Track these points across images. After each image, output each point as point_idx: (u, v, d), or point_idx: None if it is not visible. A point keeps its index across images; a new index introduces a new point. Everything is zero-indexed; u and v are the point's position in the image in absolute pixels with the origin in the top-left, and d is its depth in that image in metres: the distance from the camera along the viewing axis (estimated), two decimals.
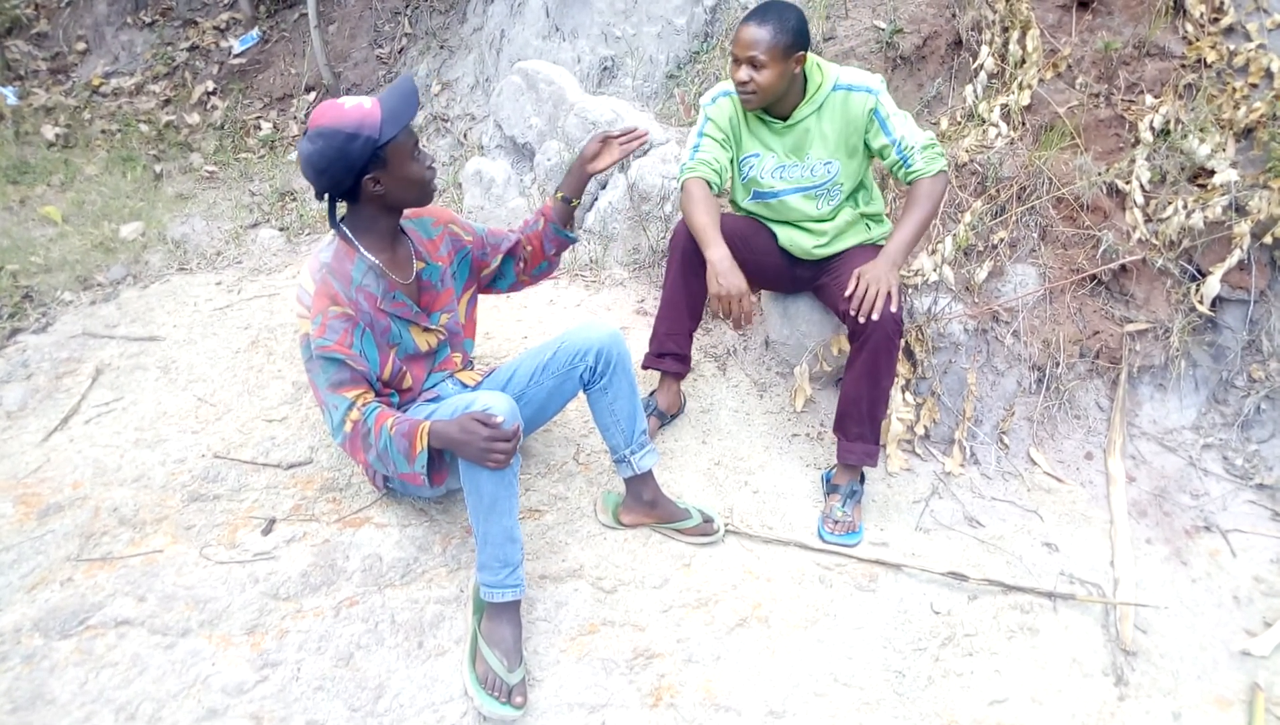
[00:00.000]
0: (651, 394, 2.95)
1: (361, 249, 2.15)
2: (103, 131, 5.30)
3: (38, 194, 4.51)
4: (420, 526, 2.48)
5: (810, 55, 2.55)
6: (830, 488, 2.75)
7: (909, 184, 2.60)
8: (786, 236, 2.79)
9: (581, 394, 2.44)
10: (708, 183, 2.62)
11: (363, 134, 1.98)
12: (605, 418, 2.44)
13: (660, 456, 2.53)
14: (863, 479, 2.76)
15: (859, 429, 2.66)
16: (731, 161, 2.73)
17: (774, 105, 2.58)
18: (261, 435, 2.77)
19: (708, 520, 2.57)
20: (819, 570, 2.54)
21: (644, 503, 2.53)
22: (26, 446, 2.75)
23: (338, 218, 2.17)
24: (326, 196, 2.10)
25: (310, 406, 2.89)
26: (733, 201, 2.89)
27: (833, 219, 2.74)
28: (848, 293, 2.49)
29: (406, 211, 2.26)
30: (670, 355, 2.84)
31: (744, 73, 2.46)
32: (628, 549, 2.52)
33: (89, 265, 3.81)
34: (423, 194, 2.17)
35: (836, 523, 2.65)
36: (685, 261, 2.70)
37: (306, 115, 5.40)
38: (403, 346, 2.27)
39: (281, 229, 4.20)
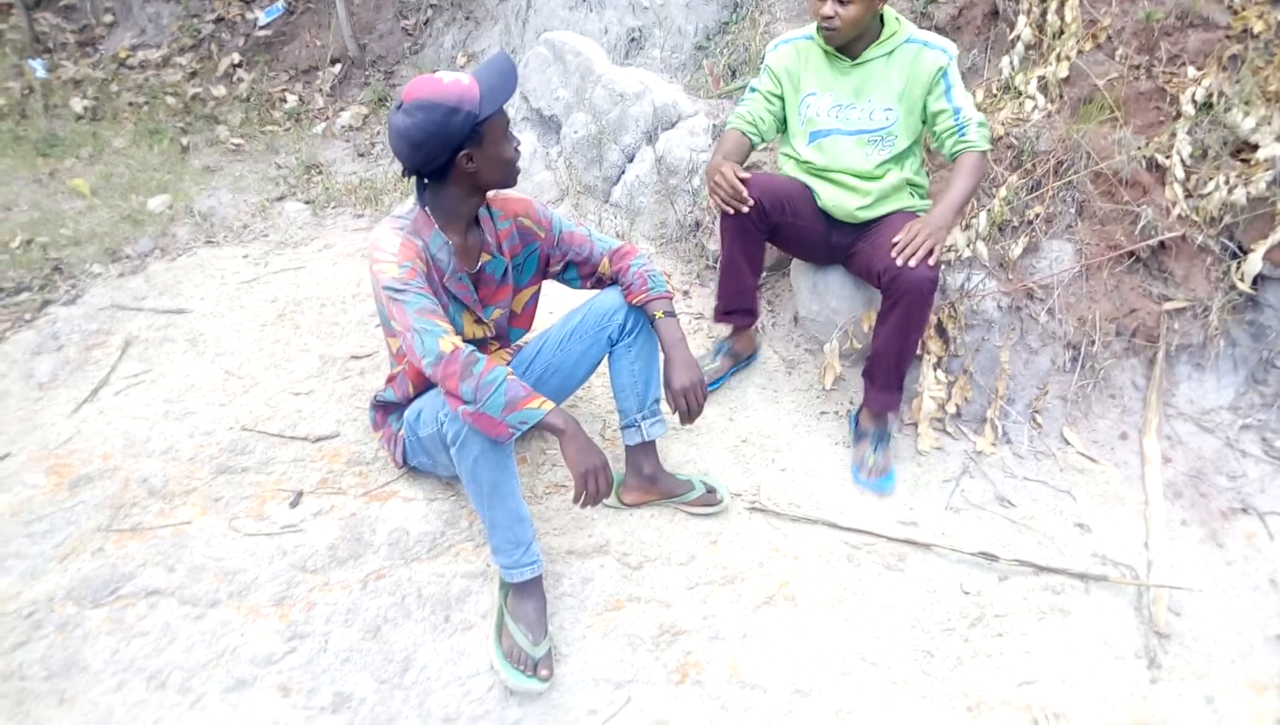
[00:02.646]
0: (725, 339, 3.06)
1: (437, 226, 2.12)
2: (130, 104, 5.31)
3: (66, 166, 4.53)
4: (447, 501, 2.48)
5: (889, 8, 2.61)
6: (859, 434, 2.82)
7: (952, 157, 2.62)
8: (830, 196, 2.74)
9: (604, 366, 2.42)
10: (744, 134, 2.73)
11: (464, 108, 1.94)
12: (624, 378, 2.41)
13: (669, 428, 2.49)
14: (889, 422, 2.82)
15: (885, 379, 2.72)
16: (781, 115, 2.78)
17: (848, 44, 2.61)
18: (288, 408, 2.77)
19: (711, 491, 2.55)
20: (847, 549, 2.51)
21: (644, 477, 2.50)
22: (57, 417, 2.77)
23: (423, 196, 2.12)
24: (415, 174, 2.06)
25: (337, 379, 2.90)
26: (789, 155, 2.84)
27: (880, 177, 2.71)
28: (897, 238, 2.48)
29: (488, 196, 2.22)
30: (737, 311, 2.94)
31: (829, 7, 2.49)
32: (653, 525, 2.51)
33: (117, 238, 3.83)
34: (510, 174, 2.11)
35: (870, 469, 2.72)
36: (738, 225, 2.70)
37: (332, 88, 5.38)
38: (454, 328, 2.24)
39: (307, 202, 4.20)
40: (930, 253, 2.45)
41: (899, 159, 2.72)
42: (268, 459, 2.60)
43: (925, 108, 2.63)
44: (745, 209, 2.58)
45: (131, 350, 3.08)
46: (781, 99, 2.76)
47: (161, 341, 3.12)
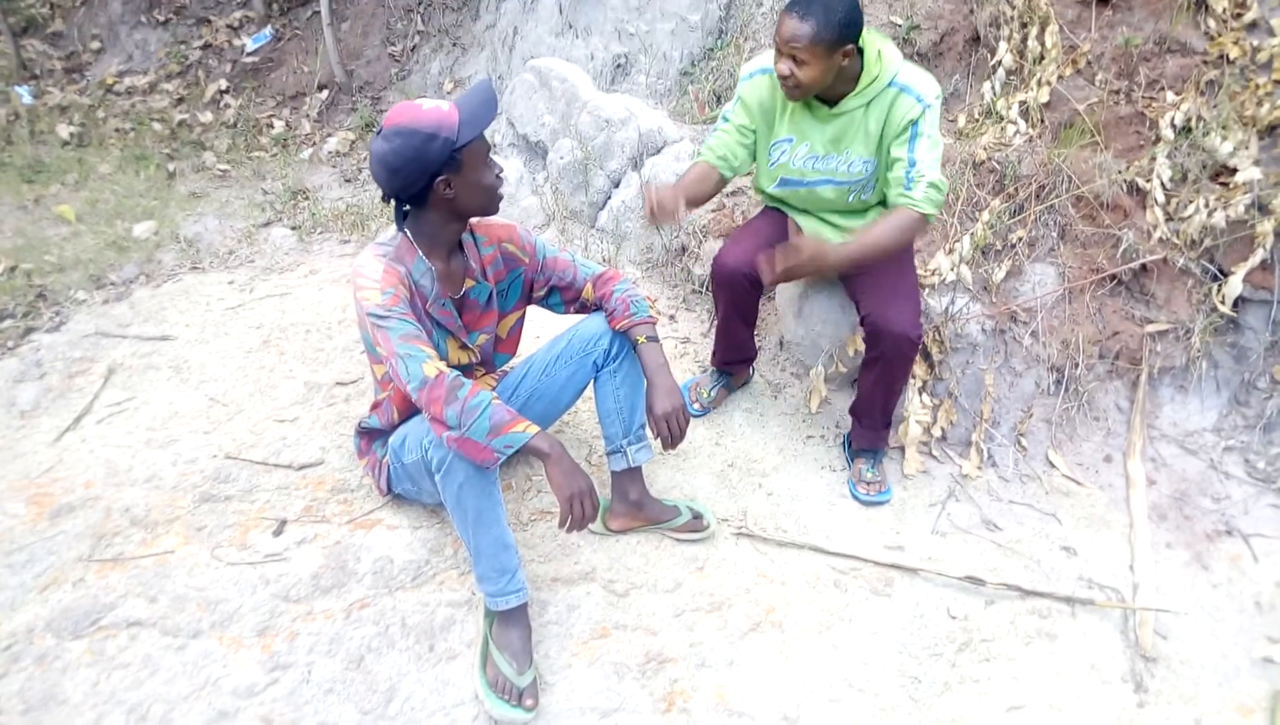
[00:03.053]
0: (722, 372, 3.06)
1: (420, 252, 2.12)
2: (117, 130, 5.32)
3: (52, 193, 4.52)
4: (432, 528, 2.46)
5: (875, 39, 2.39)
6: (854, 453, 2.85)
7: (890, 206, 2.44)
8: (811, 229, 2.70)
9: (589, 391, 2.42)
10: (713, 166, 2.59)
11: (441, 135, 1.94)
12: (609, 403, 2.40)
13: (654, 454, 2.48)
14: (879, 444, 2.85)
15: (872, 421, 2.77)
16: (753, 147, 2.62)
17: (824, 92, 2.42)
18: (273, 436, 2.76)
19: (697, 516, 2.55)
20: (834, 574, 2.51)
21: (630, 503, 2.49)
22: (39, 446, 2.75)
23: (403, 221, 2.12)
24: (394, 199, 2.06)
25: (322, 406, 2.89)
26: (758, 188, 2.80)
27: (863, 213, 2.65)
28: (762, 259, 2.41)
29: (471, 222, 2.23)
30: (736, 361, 3.01)
31: (785, 66, 2.31)
32: (640, 552, 2.50)
33: (102, 264, 3.82)
34: (490, 201, 2.11)
35: (869, 483, 2.77)
36: (732, 292, 2.70)
37: (319, 114, 5.40)
38: (439, 354, 2.24)
39: (294, 228, 4.19)
40: (910, 317, 2.48)
41: (884, 201, 2.57)
42: (251, 487, 2.58)
43: (887, 152, 2.44)
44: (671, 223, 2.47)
45: (115, 378, 3.06)
46: (755, 132, 2.60)
47: (145, 369, 3.11)
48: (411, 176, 1.97)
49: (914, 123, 2.37)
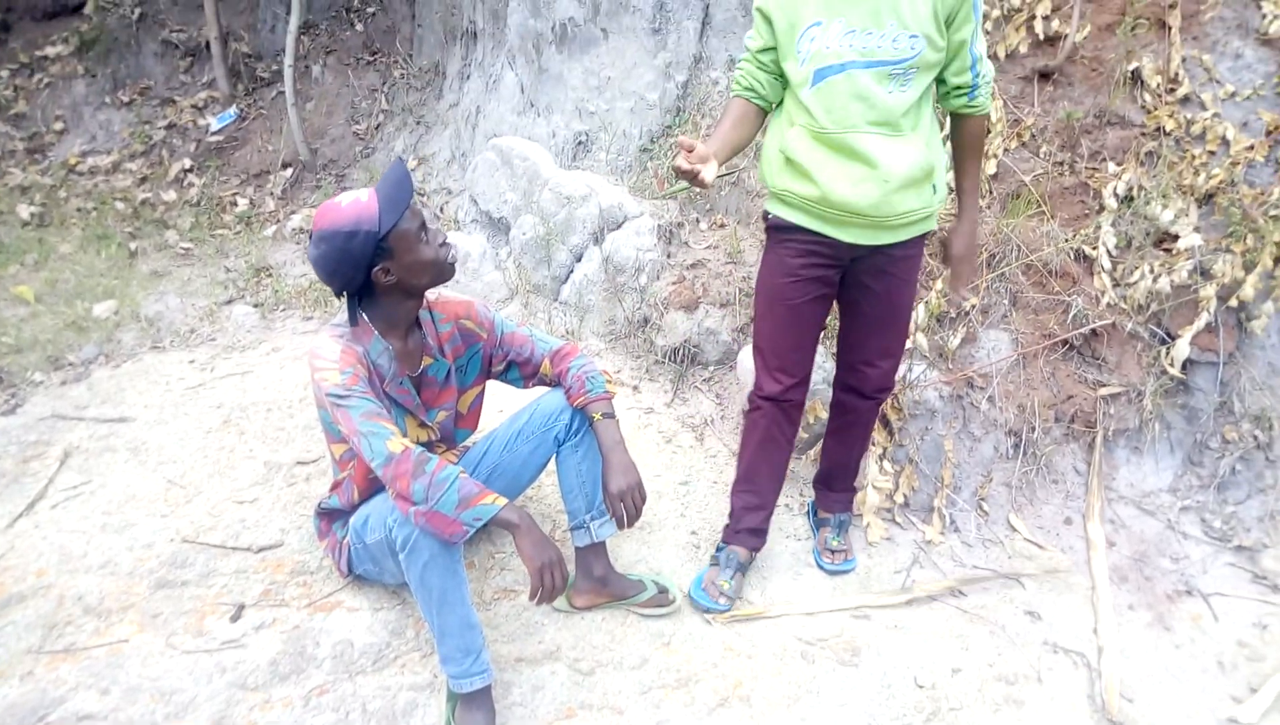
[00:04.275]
0: (731, 550, 2.64)
1: (376, 333, 2.13)
2: (78, 210, 5.30)
3: (11, 273, 4.48)
4: (393, 610, 2.43)
5: None
6: (819, 521, 2.83)
7: (956, 115, 2.27)
8: (843, 189, 2.16)
9: (552, 465, 2.42)
10: (748, 101, 2.28)
11: (362, 229, 1.97)
12: (571, 478, 2.40)
13: (617, 530, 2.46)
14: (850, 507, 2.84)
15: (841, 483, 2.78)
16: (778, 65, 2.23)
17: None
18: (232, 518, 2.72)
19: (663, 591, 2.54)
20: (801, 645, 2.50)
21: (594, 579, 2.47)
22: None
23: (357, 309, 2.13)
24: (345, 294, 2.09)
25: (282, 486, 2.86)
26: (787, 106, 2.28)
27: (897, 129, 2.15)
28: (955, 283, 2.42)
29: (428, 299, 2.25)
30: (746, 531, 2.65)
31: None
32: (605, 629, 2.47)
33: (60, 345, 3.78)
34: (439, 273, 2.12)
35: (834, 552, 2.75)
36: (770, 423, 2.50)
37: (283, 191, 5.43)
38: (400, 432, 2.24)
39: (256, 305, 4.19)
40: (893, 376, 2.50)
41: (918, 106, 2.17)
42: (209, 571, 2.53)
43: (950, 33, 2.12)
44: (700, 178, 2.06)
45: (71, 461, 3.01)
46: (775, 50, 2.21)
47: (102, 451, 3.06)
48: (348, 274, 2.01)
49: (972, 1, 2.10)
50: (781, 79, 2.24)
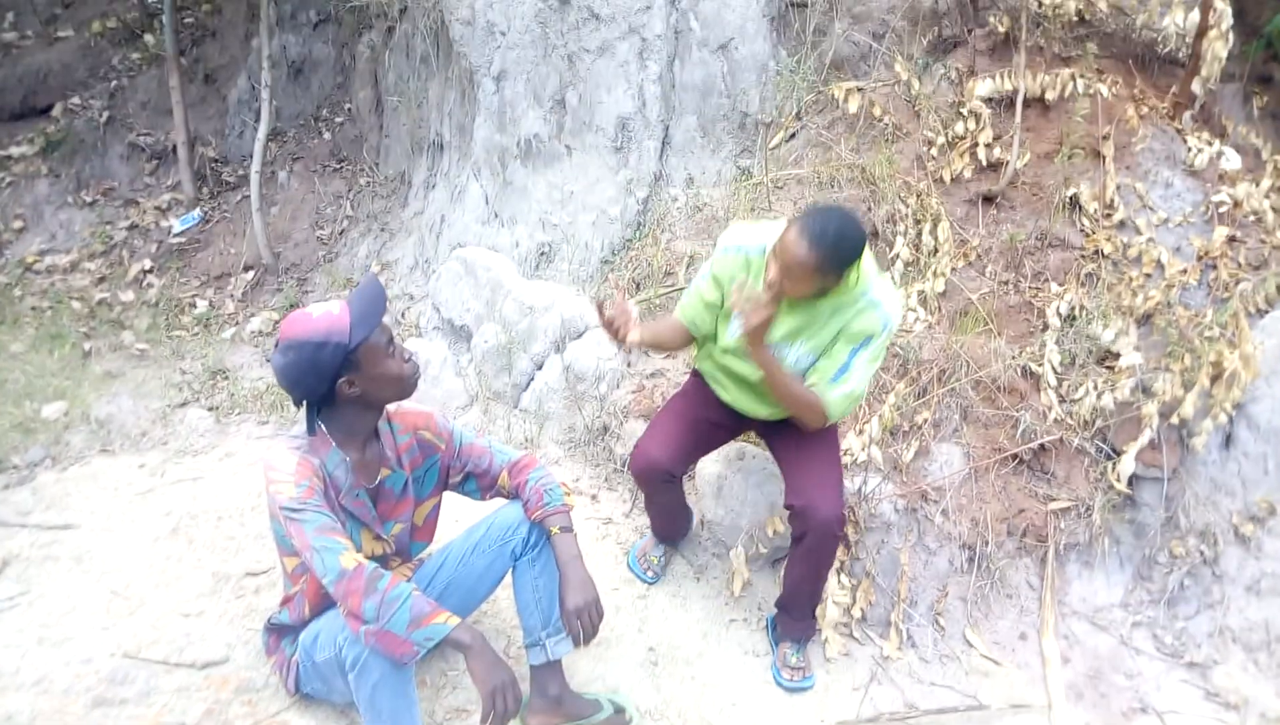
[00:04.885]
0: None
1: (334, 444, 2.13)
2: (33, 308, 5.25)
3: None
4: None
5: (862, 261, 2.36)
6: (779, 637, 2.83)
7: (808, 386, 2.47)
8: (733, 397, 2.64)
9: (508, 579, 2.40)
10: (684, 325, 2.65)
11: (332, 340, 1.99)
12: (527, 594, 2.37)
13: (574, 648, 2.40)
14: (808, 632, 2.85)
15: (801, 611, 2.77)
16: (715, 321, 2.59)
17: None
18: (176, 631, 2.64)
19: (619, 710, 2.49)
20: None
21: (549, 698, 2.41)
22: None
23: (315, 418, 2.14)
24: (304, 403, 2.09)
25: (230, 598, 2.78)
26: (704, 349, 2.69)
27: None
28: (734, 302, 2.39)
29: (387, 410, 2.25)
30: (672, 535, 3.13)
31: (775, 274, 2.29)
32: None
33: (6, 447, 3.70)
34: (402, 388, 2.14)
35: (793, 669, 2.75)
36: (651, 488, 2.83)
37: (244, 294, 5.43)
38: (354, 545, 2.20)
39: (211, 408, 4.14)
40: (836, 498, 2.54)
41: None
42: (149, 689, 2.44)
43: (832, 342, 2.42)
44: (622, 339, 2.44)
45: (10, 570, 2.92)
46: (720, 305, 2.54)
47: (44, 559, 2.97)
48: (312, 384, 2.03)
49: (870, 337, 2.38)
50: (715, 325, 2.61)
